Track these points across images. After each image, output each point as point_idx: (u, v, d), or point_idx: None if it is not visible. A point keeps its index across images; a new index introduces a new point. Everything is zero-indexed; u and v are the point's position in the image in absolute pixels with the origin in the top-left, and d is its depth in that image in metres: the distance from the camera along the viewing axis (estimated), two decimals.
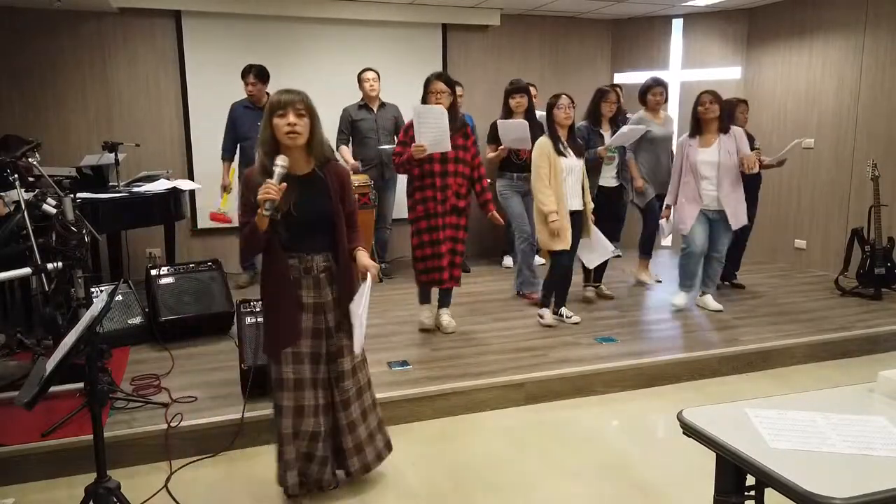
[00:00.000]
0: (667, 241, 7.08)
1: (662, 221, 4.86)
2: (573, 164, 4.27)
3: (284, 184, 2.29)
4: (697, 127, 4.57)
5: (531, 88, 5.58)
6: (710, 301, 4.80)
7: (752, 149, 4.94)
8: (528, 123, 4.78)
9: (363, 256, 2.51)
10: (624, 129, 4.75)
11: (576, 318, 4.49)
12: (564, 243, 4.22)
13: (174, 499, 2.65)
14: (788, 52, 6.33)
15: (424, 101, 3.98)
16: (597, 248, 4.49)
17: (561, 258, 4.32)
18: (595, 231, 4.45)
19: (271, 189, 2.24)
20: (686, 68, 6.92)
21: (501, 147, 5.04)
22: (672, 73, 6.94)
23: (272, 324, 2.50)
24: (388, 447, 2.79)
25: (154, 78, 5.85)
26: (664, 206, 4.86)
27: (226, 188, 5.35)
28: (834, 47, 5.93)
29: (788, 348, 4.17)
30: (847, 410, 1.75)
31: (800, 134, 6.21)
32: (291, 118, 2.31)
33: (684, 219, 4.61)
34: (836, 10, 5.88)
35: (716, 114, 4.48)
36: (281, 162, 2.30)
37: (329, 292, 2.49)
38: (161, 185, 4.74)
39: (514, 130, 4.82)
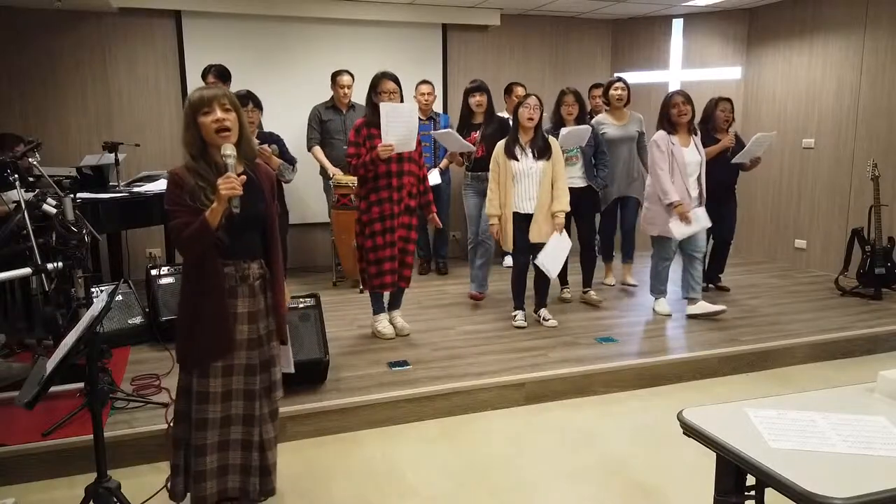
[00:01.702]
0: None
1: (673, 221, 4.53)
2: (528, 167, 4.18)
3: (244, 176, 2.13)
4: (672, 128, 4.47)
5: (519, 88, 5.64)
6: (706, 306, 4.60)
7: (736, 152, 4.95)
8: (454, 131, 4.94)
9: (287, 295, 2.51)
10: (563, 130, 4.64)
11: (553, 322, 4.42)
12: (506, 245, 4.25)
13: None
14: (789, 52, 6.33)
15: (371, 100, 3.90)
16: (556, 255, 4.28)
17: (514, 258, 4.36)
18: (557, 237, 4.22)
19: (235, 183, 2.08)
20: (686, 68, 6.92)
21: (449, 153, 5.15)
22: (672, 73, 6.95)
23: (201, 335, 2.24)
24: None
25: (154, 78, 5.85)
26: (671, 205, 4.49)
27: None
28: (834, 47, 5.93)
29: (788, 348, 4.17)
30: (847, 410, 1.75)
31: (800, 134, 6.22)
32: (219, 114, 2.15)
33: (674, 219, 4.44)
34: (836, 10, 5.88)
35: (689, 116, 4.46)
36: (229, 150, 2.14)
37: (262, 300, 2.35)
38: (161, 185, 4.73)
39: (450, 140, 4.94)
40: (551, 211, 4.22)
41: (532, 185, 4.20)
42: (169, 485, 2.38)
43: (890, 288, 5.13)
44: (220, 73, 5.11)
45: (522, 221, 4.23)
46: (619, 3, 6.28)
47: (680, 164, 4.45)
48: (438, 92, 6.10)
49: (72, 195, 3.28)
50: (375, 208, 3.92)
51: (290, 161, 4.89)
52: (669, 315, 4.68)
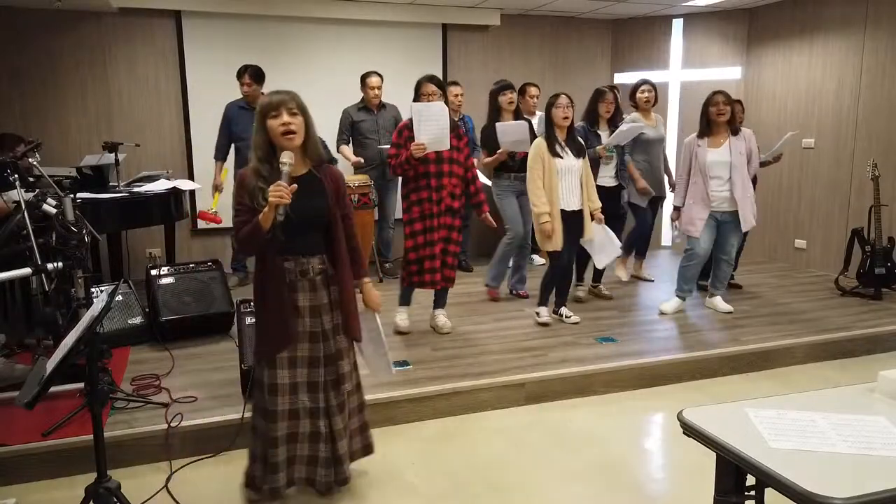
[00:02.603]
0: (668, 241, 7.09)
1: (674, 224, 4.80)
2: (570, 165, 4.25)
3: (295, 185, 2.25)
4: (707, 128, 4.50)
5: (532, 88, 5.60)
6: (719, 303, 4.76)
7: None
8: (527, 125, 4.77)
9: (370, 291, 2.63)
10: (623, 126, 4.74)
11: (575, 318, 4.49)
12: (555, 244, 4.22)
13: (174, 499, 2.65)
14: (789, 52, 6.33)
15: (416, 102, 3.94)
16: (605, 248, 4.44)
17: (558, 258, 4.32)
18: (603, 230, 4.39)
19: (283, 192, 2.20)
20: (686, 68, 6.92)
21: (500, 150, 5.03)
22: (672, 73, 6.95)
23: (266, 327, 2.44)
24: (366, 450, 2.73)
25: (154, 78, 5.85)
26: (673, 208, 4.82)
27: (217, 188, 5.32)
28: (834, 47, 5.93)
29: (788, 348, 4.17)
30: (847, 410, 1.75)
31: (800, 134, 6.21)
32: (286, 118, 2.28)
33: (693, 220, 4.56)
34: (837, 10, 5.88)
35: (728, 115, 4.45)
36: (287, 159, 2.25)
37: (325, 295, 2.46)
38: (161, 185, 4.74)
39: (514, 133, 4.81)
40: (591, 209, 4.34)
41: (574, 183, 4.27)
42: (248, 471, 2.55)
43: (890, 288, 5.13)
44: (255, 74, 5.17)
45: (567, 218, 4.25)
46: (619, 3, 6.28)
47: (701, 166, 4.47)
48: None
49: (72, 195, 3.28)
50: (416, 208, 4.00)
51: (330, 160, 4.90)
52: (667, 314, 4.71)
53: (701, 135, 4.54)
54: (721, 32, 6.78)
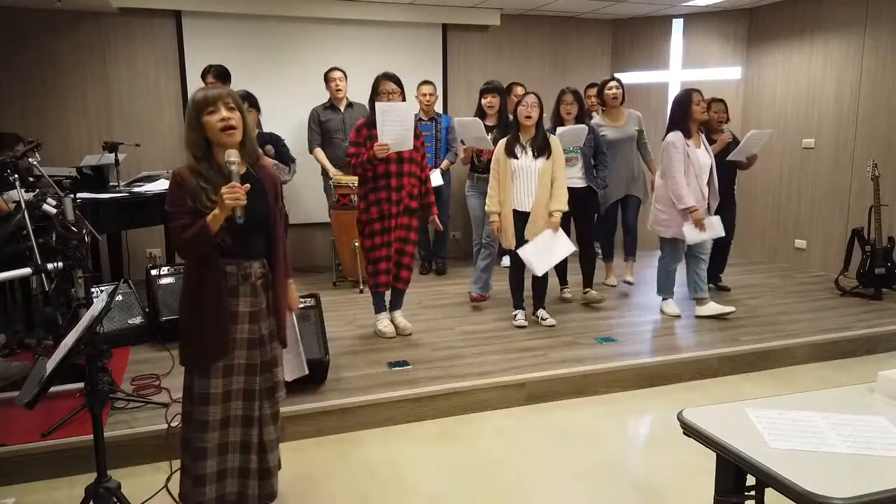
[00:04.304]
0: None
1: (687, 226, 4.43)
2: (527, 165, 4.18)
3: (248, 184, 2.11)
4: (687, 128, 4.38)
5: (519, 87, 5.61)
6: (716, 307, 4.60)
7: (729, 151, 4.96)
8: (482, 123, 4.84)
9: (293, 292, 2.51)
10: (559, 129, 4.65)
11: (551, 321, 4.42)
12: (507, 243, 4.24)
13: (174, 499, 2.65)
14: (789, 52, 6.33)
15: (373, 100, 3.91)
16: (543, 255, 4.20)
17: (512, 257, 4.34)
18: (551, 235, 4.17)
19: (239, 193, 2.07)
20: (686, 68, 6.91)
21: (465, 147, 5.08)
22: (672, 73, 6.95)
23: (201, 335, 2.24)
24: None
25: (154, 78, 5.85)
26: (688, 210, 4.38)
27: None
28: (834, 47, 5.92)
29: (788, 348, 4.17)
30: (847, 410, 1.75)
31: (801, 134, 6.22)
32: (224, 113, 2.14)
33: (683, 221, 4.42)
34: (837, 10, 5.88)
35: (705, 114, 4.46)
36: (234, 157, 2.12)
37: (264, 300, 2.33)
38: (161, 185, 4.74)
39: (471, 129, 4.85)
40: (548, 209, 4.19)
41: (530, 183, 4.19)
42: (180, 487, 2.35)
43: (890, 288, 5.13)
44: (220, 74, 5.09)
45: (521, 219, 4.23)
46: (619, 3, 6.28)
47: (696, 167, 4.41)
48: (439, 93, 6.09)
49: (72, 195, 3.28)
50: (374, 208, 3.94)
51: (287, 161, 4.89)
52: (678, 316, 4.65)
53: (688, 135, 4.40)
54: (721, 32, 6.78)
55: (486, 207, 4.24)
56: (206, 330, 2.23)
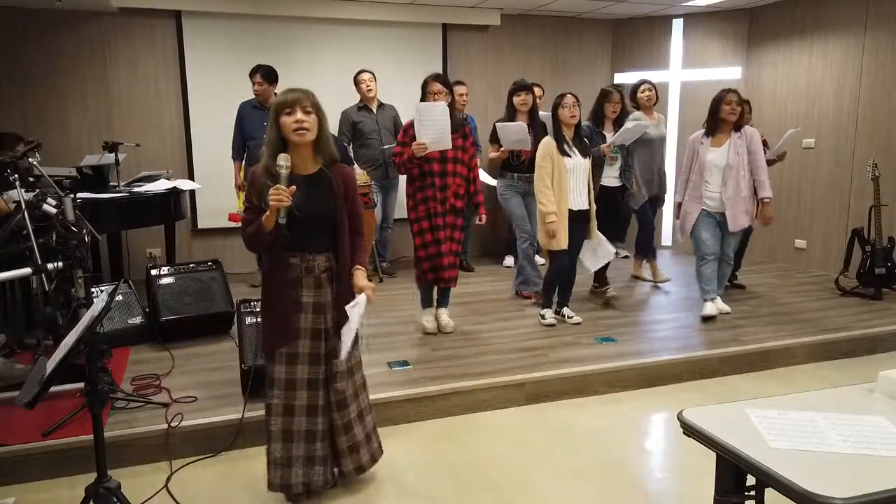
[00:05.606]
0: (668, 240, 7.08)
1: (676, 221, 4.72)
2: (577, 164, 4.26)
3: (294, 187, 2.28)
4: (715, 126, 4.44)
5: (536, 88, 5.60)
6: (718, 304, 4.66)
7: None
8: (526, 126, 4.78)
9: (361, 277, 2.50)
10: (628, 124, 4.72)
11: (577, 319, 4.49)
12: (561, 244, 4.22)
13: (174, 499, 2.65)
14: (789, 52, 6.33)
15: (423, 101, 3.98)
16: (599, 252, 4.45)
17: (559, 258, 4.32)
18: (598, 234, 4.43)
19: (283, 196, 2.24)
20: (686, 68, 6.92)
21: (502, 149, 5.04)
22: (672, 73, 6.95)
23: (269, 323, 2.50)
24: (381, 449, 2.79)
25: (154, 78, 5.85)
26: (675, 205, 4.76)
27: (240, 188, 5.29)
28: (834, 47, 5.92)
29: (788, 348, 4.17)
30: (847, 410, 1.75)
31: (800, 134, 6.21)
32: (299, 115, 2.33)
33: (685, 217, 4.58)
34: (837, 10, 5.88)
35: (738, 115, 4.43)
36: (283, 161, 2.29)
37: (329, 292, 2.49)
38: (161, 185, 4.74)
39: (514, 132, 4.81)
40: (592, 210, 4.36)
41: (581, 182, 4.29)
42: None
43: (890, 288, 5.13)
44: (267, 74, 5.16)
45: (573, 218, 4.26)
46: (619, 3, 6.28)
47: (700, 164, 4.45)
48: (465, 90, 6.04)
49: (72, 195, 3.28)
50: (421, 206, 4.04)
51: None
52: (713, 317, 4.53)
53: (708, 133, 4.49)
54: (721, 32, 6.78)
55: (542, 207, 4.21)
56: (272, 316, 2.47)
